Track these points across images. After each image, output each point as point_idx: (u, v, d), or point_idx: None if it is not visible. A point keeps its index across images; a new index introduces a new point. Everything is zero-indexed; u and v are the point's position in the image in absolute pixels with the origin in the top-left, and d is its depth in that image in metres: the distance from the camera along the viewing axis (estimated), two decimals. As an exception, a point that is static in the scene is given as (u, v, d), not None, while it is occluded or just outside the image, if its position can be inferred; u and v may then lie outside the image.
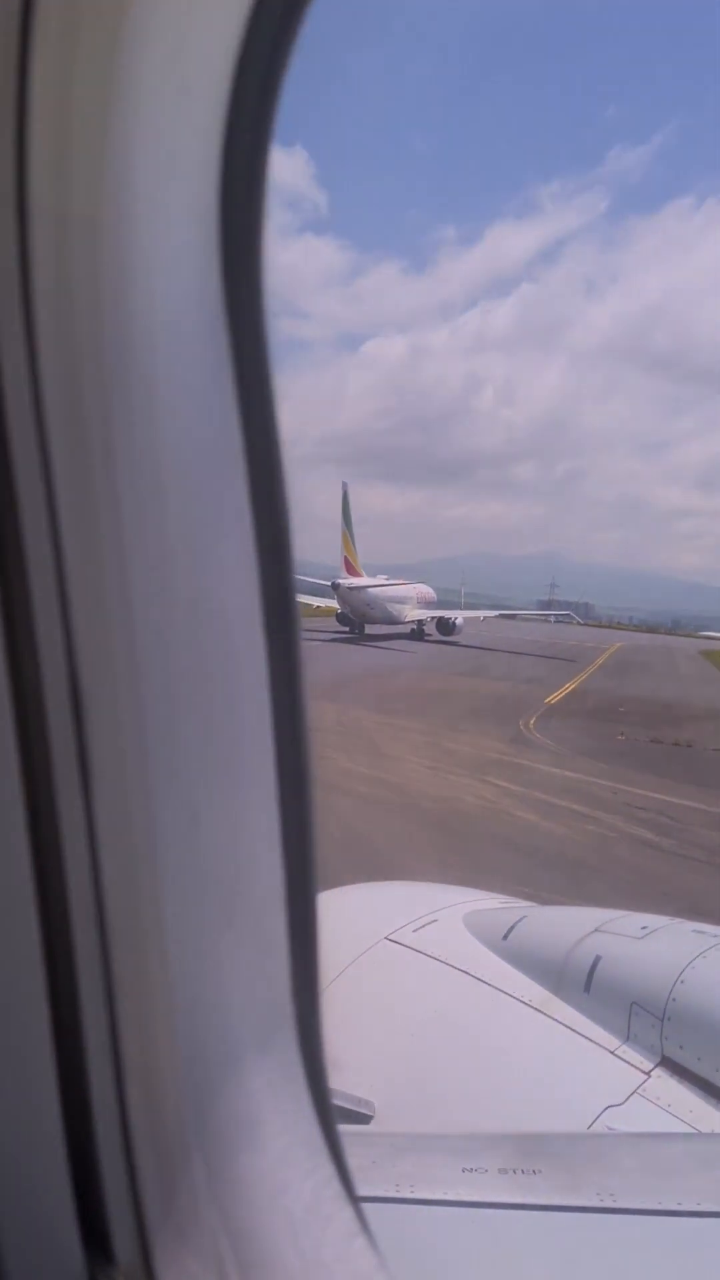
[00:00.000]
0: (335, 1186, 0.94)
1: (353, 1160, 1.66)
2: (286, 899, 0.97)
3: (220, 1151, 0.92)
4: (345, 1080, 2.50)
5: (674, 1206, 1.42)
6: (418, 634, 63.83)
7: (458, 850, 12.49)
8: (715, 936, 2.68)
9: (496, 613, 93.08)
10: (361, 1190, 1.47)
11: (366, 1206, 1.44)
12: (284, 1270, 0.84)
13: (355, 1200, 0.95)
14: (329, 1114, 1.00)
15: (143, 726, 0.82)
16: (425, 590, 71.62)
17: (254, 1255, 0.86)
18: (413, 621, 64.32)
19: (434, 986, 2.85)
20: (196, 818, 0.89)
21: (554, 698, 33.75)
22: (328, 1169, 0.95)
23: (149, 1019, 0.92)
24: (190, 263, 0.79)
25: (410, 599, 66.59)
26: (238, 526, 0.87)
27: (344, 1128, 2.20)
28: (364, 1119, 2.36)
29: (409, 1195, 1.43)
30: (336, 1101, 2.41)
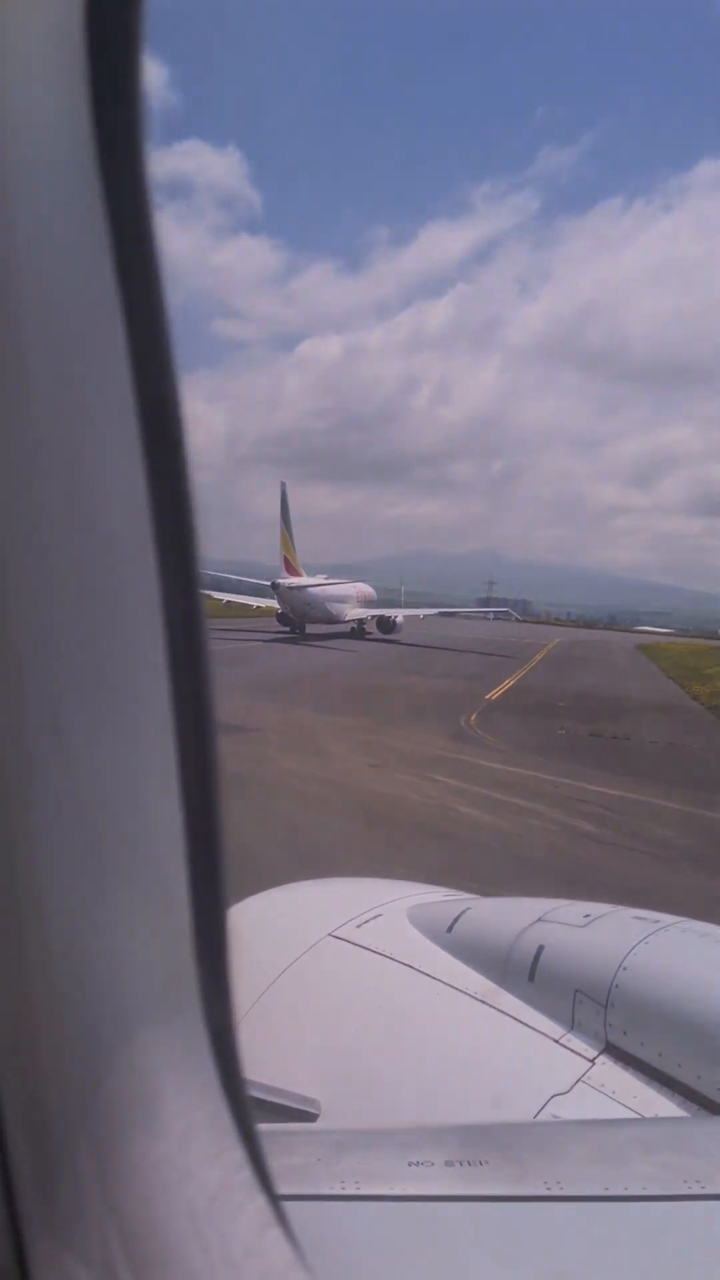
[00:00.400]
0: (246, 1173, 0.83)
1: (297, 1159, 1.63)
2: (187, 849, 0.86)
3: (110, 1137, 0.83)
4: (290, 1079, 2.47)
5: (620, 1192, 1.41)
6: (358, 633, 64.01)
7: (400, 846, 12.51)
8: (656, 922, 2.69)
9: (436, 611, 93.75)
10: (306, 1189, 1.44)
11: (311, 1205, 1.41)
12: (185, 1269, 0.75)
13: (270, 1188, 0.85)
14: (240, 1091, 0.90)
15: (20, 667, 0.76)
16: (365, 589, 71.84)
17: (149, 1253, 0.77)
18: (353, 620, 64.49)
19: (378, 982, 2.83)
20: (74, 756, 0.80)
21: (494, 694, 34.06)
22: (237, 1153, 0.85)
23: (23, 986, 0.82)
24: (63, 185, 0.72)
25: (350, 598, 66.75)
26: (127, 491, 0.79)
27: (288, 1126, 2.17)
28: (309, 1117, 2.33)
29: (354, 1192, 1.40)
30: (280, 1101, 2.39)
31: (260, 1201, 0.81)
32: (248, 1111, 0.89)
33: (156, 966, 0.87)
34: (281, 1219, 0.81)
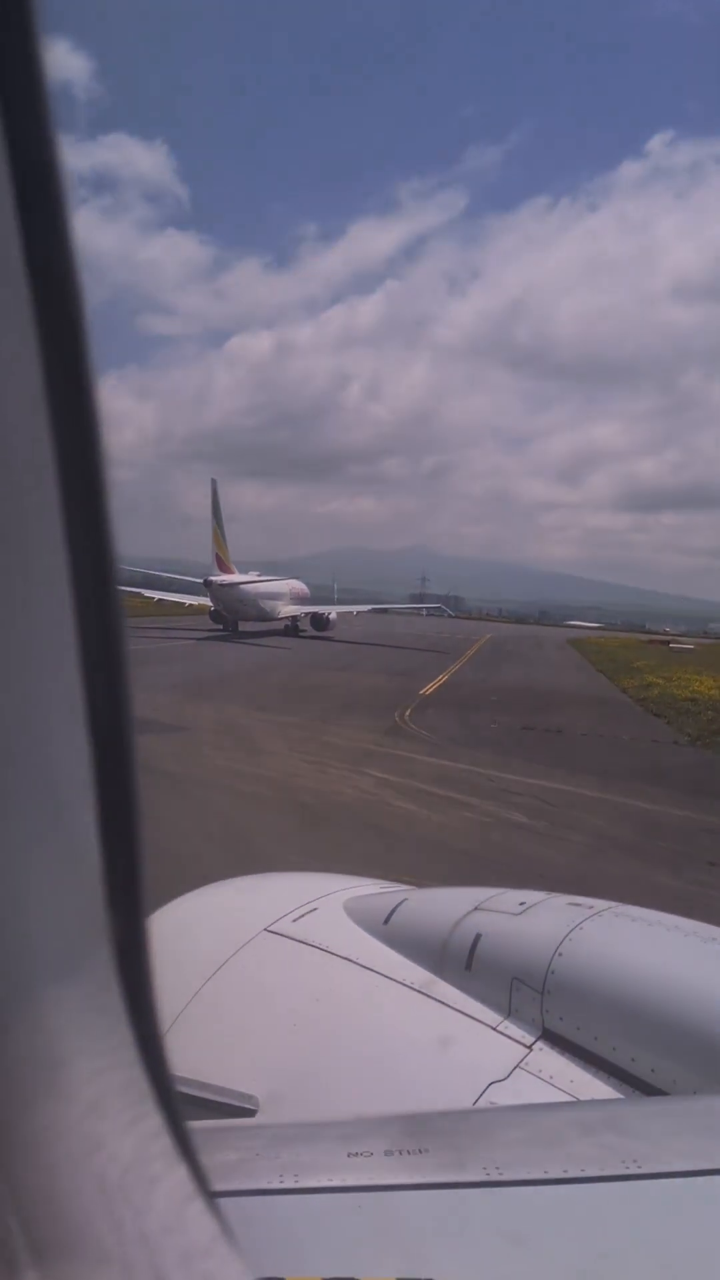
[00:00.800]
0: (165, 1141, 0.76)
1: (236, 1154, 1.61)
2: (96, 786, 0.78)
3: (9, 1102, 0.74)
4: (227, 1076, 2.44)
5: (559, 1174, 1.41)
6: (292, 630, 63.95)
7: (336, 841, 12.51)
8: (590, 908, 2.72)
9: (370, 607, 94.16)
10: (245, 1184, 1.41)
11: (249, 1200, 1.39)
12: (94, 1249, 0.68)
13: (193, 1157, 0.77)
14: (159, 1054, 0.82)
15: None
16: (298, 586, 71.78)
17: (53, 1233, 0.69)
18: (287, 618, 64.41)
19: (316, 975, 2.81)
20: None
21: (428, 689, 34.28)
22: (154, 1120, 0.77)
23: None
24: None
25: (283, 595, 66.65)
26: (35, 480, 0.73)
27: (225, 1122, 2.14)
28: (247, 1114, 2.31)
29: (293, 1185, 1.38)
30: (216, 1098, 2.36)
31: (181, 1172, 0.75)
32: (167, 1075, 0.81)
33: (64, 919, 0.79)
34: (205, 1190, 0.74)
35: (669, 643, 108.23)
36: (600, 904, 2.77)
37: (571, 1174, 1.41)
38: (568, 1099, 2.18)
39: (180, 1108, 0.79)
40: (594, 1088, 2.23)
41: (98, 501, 0.75)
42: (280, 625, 64.08)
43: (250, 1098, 2.35)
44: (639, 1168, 1.44)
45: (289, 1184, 1.38)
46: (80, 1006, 0.78)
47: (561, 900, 2.86)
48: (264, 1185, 1.38)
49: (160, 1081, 0.80)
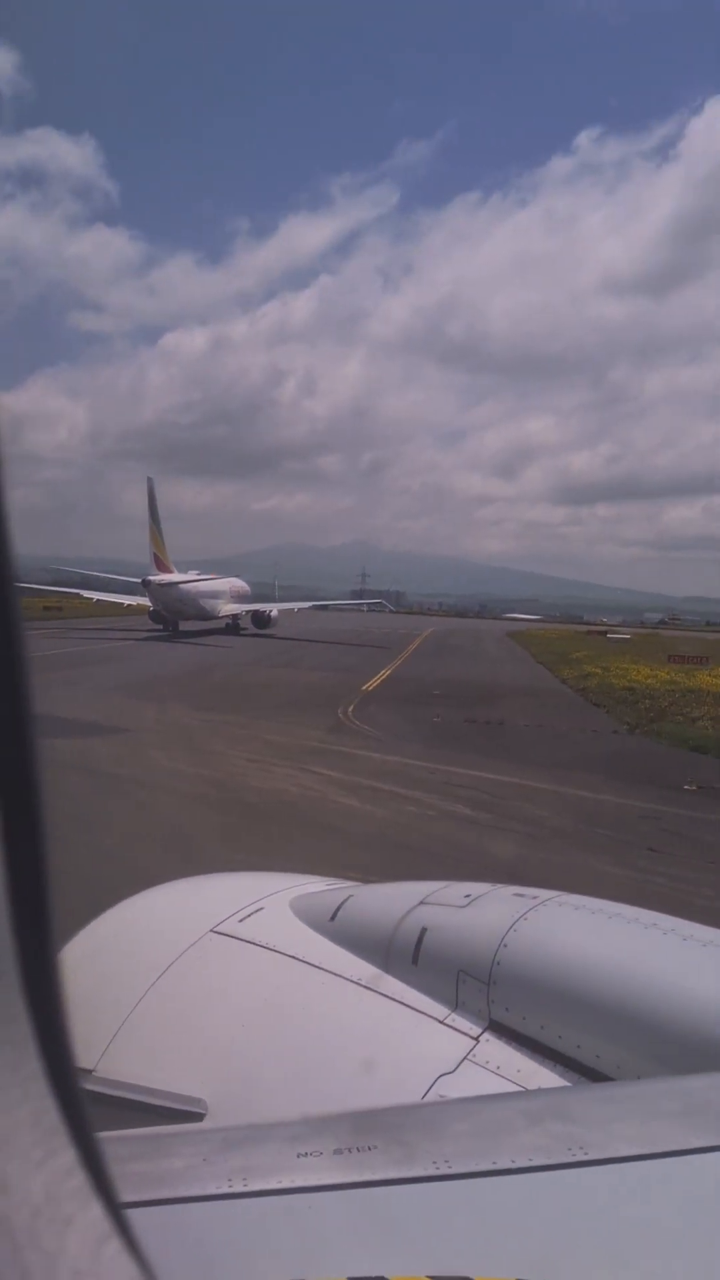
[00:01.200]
0: (79, 1178, 0.70)
1: (183, 1160, 1.59)
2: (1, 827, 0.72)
3: None
4: (174, 1079, 2.42)
5: (507, 1165, 1.42)
6: (233, 628, 63.66)
7: (281, 839, 12.47)
8: (534, 898, 2.74)
9: (311, 604, 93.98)
10: (193, 1189, 1.40)
11: (197, 1206, 1.38)
12: None
13: (110, 1193, 0.71)
14: (71, 1083, 0.76)
15: None
16: (238, 584, 71.46)
17: None
18: (227, 616, 64.11)
19: (263, 975, 2.79)
20: None
21: (370, 685, 34.38)
22: (67, 1156, 0.71)
23: None
24: None
25: (224, 593, 66.31)
26: None
27: (172, 1128, 2.12)
28: (196, 1117, 2.29)
29: (242, 1189, 1.37)
30: (162, 1103, 2.34)
31: (96, 1211, 0.69)
32: (81, 1106, 0.75)
33: None
34: (123, 1228, 0.69)
35: (606, 633, 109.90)
36: (545, 894, 2.79)
37: (519, 1164, 1.42)
38: (516, 1089, 2.20)
39: (97, 1141, 0.74)
40: (541, 1076, 2.25)
41: None
42: (221, 624, 63.75)
43: (198, 1101, 2.33)
44: (585, 1154, 1.45)
45: (238, 1188, 1.37)
46: None
47: (507, 891, 2.88)
48: (213, 1191, 1.37)
49: (74, 1114, 0.74)
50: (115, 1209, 0.70)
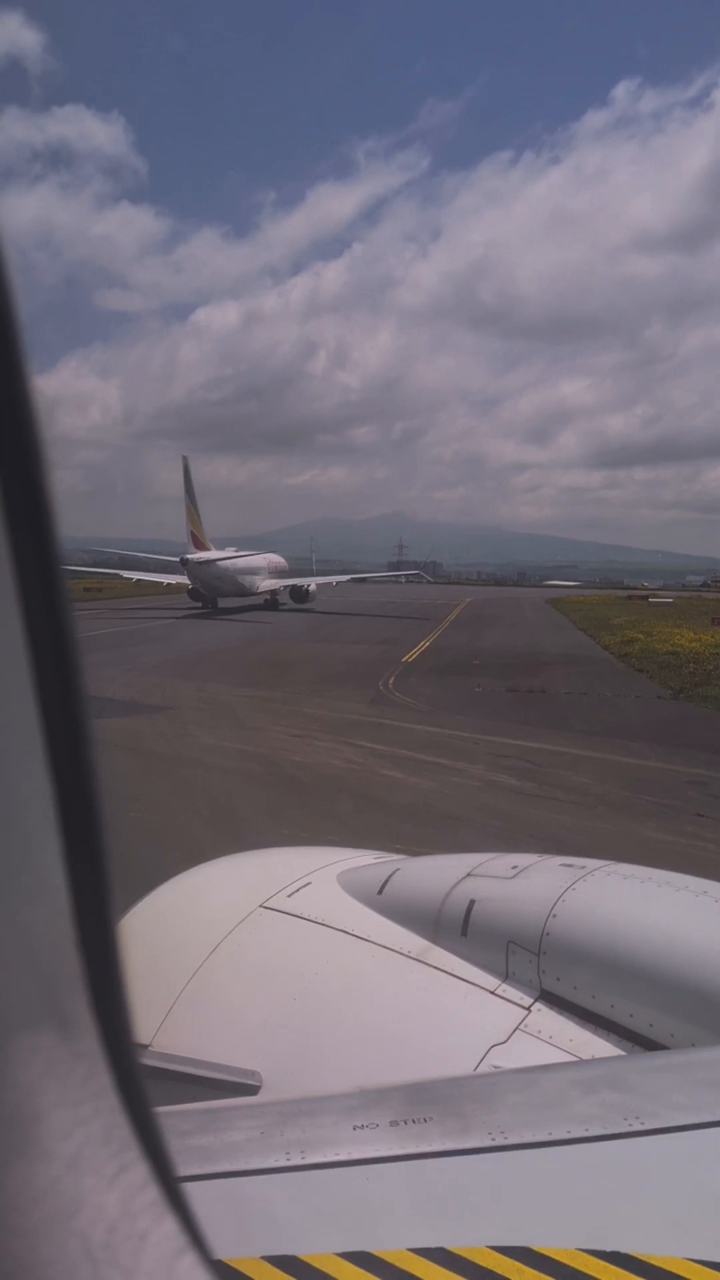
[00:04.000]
0: (152, 1192, 0.70)
1: (240, 1134, 1.62)
2: (60, 823, 0.72)
3: None
4: (229, 1053, 2.45)
5: (563, 1135, 1.43)
6: (271, 604, 63.80)
7: (326, 813, 12.56)
8: (582, 869, 2.74)
9: (348, 577, 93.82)
10: (250, 1163, 1.42)
11: (256, 1180, 1.40)
12: None
13: (183, 1206, 0.71)
14: (141, 1096, 0.76)
15: None
16: (276, 559, 71.53)
17: None
18: (265, 592, 64.24)
19: (313, 949, 2.82)
20: None
21: (410, 656, 34.34)
22: (140, 1170, 0.71)
23: None
24: None
25: (261, 569, 66.42)
26: None
27: (229, 1102, 2.15)
28: (251, 1090, 2.33)
29: (299, 1162, 1.39)
30: (219, 1075, 2.37)
31: (170, 1225, 0.69)
32: (152, 1119, 0.75)
33: (29, 960, 0.73)
34: (198, 1240, 0.69)
35: (648, 598, 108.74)
36: (593, 863, 2.79)
37: (575, 1134, 1.43)
38: (568, 1058, 2.21)
39: (167, 1151, 0.75)
40: (594, 1045, 2.25)
41: (40, 498, 0.70)
42: (260, 600, 63.92)
43: (253, 1073, 2.37)
44: (641, 1124, 1.46)
45: (295, 1161, 1.39)
46: (53, 1055, 0.73)
47: (554, 861, 2.88)
48: (271, 1164, 1.39)
49: (144, 1126, 0.75)
50: (188, 1221, 0.70)
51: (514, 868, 2.85)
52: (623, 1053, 2.23)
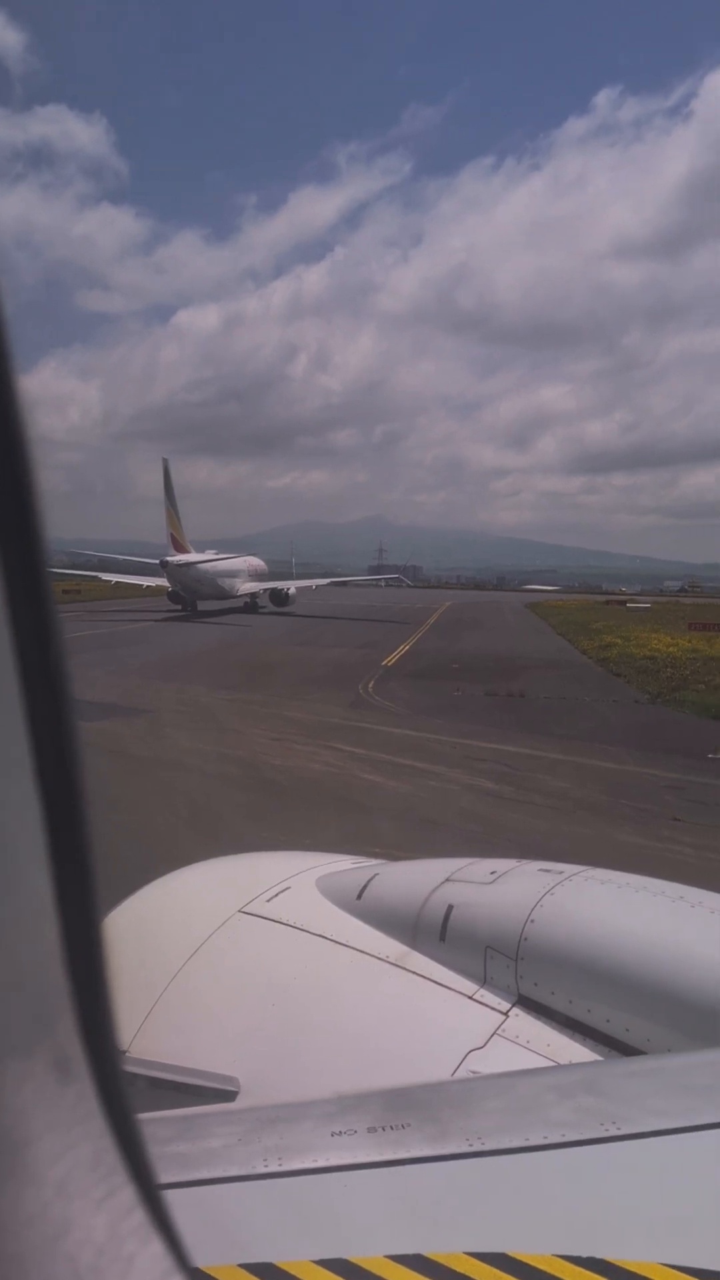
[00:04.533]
0: (139, 1215, 0.71)
1: (218, 1141, 1.62)
2: (47, 842, 0.71)
3: None
4: (207, 1059, 2.45)
5: (540, 1141, 1.44)
6: (251, 607, 63.68)
7: (305, 817, 12.53)
8: (560, 874, 2.75)
9: (328, 580, 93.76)
10: (227, 1170, 1.42)
11: (234, 1187, 1.40)
12: None
13: (169, 1227, 0.72)
14: (129, 1120, 0.76)
15: None
16: (256, 562, 71.40)
17: None
18: (245, 595, 64.13)
19: (292, 954, 2.82)
20: None
21: (390, 660, 34.36)
22: (127, 1193, 0.72)
23: None
24: None
25: (241, 572, 66.29)
26: None
27: (207, 1109, 2.15)
28: (229, 1096, 2.32)
29: (277, 1169, 1.39)
30: (197, 1082, 2.37)
31: (157, 1247, 0.70)
32: (139, 1141, 0.76)
33: (17, 987, 0.73)
34: (184, 1262, 0.69)
35: (625, 602, 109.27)
36: (570, 869, 2.80)
37: (552, 1139, 1.43)
38: (546, 1063, 2.22)
39: (154, 1174, 0.75)
40: (571, 1050, 2.26)
41: (27, 502, 0.70)
42: (239, 603, 63.78)
43: (231, 1079, 2.36)
44: (617, 1129, 1.46)
45: (274, 1168, 1.39)
46: (41, 1079, 0.73)
47: (532, 867, 2.89)
48: (249, 1170, 1.39)
49: (131, 1150, 0.75)
50: (175, 1243, 0.70)
51: (492, 873, 2.86)
52: (599, 1058, 2.24)
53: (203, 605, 61.00)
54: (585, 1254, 1.19)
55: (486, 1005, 2.46)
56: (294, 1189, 1.36)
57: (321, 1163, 1.40)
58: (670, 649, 38.78)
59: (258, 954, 2.90)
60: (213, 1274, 1.15)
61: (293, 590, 67.30)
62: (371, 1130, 1.51)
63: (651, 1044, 2.20)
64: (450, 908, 2.72)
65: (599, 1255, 1.19)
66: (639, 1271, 1.16)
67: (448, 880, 2.87)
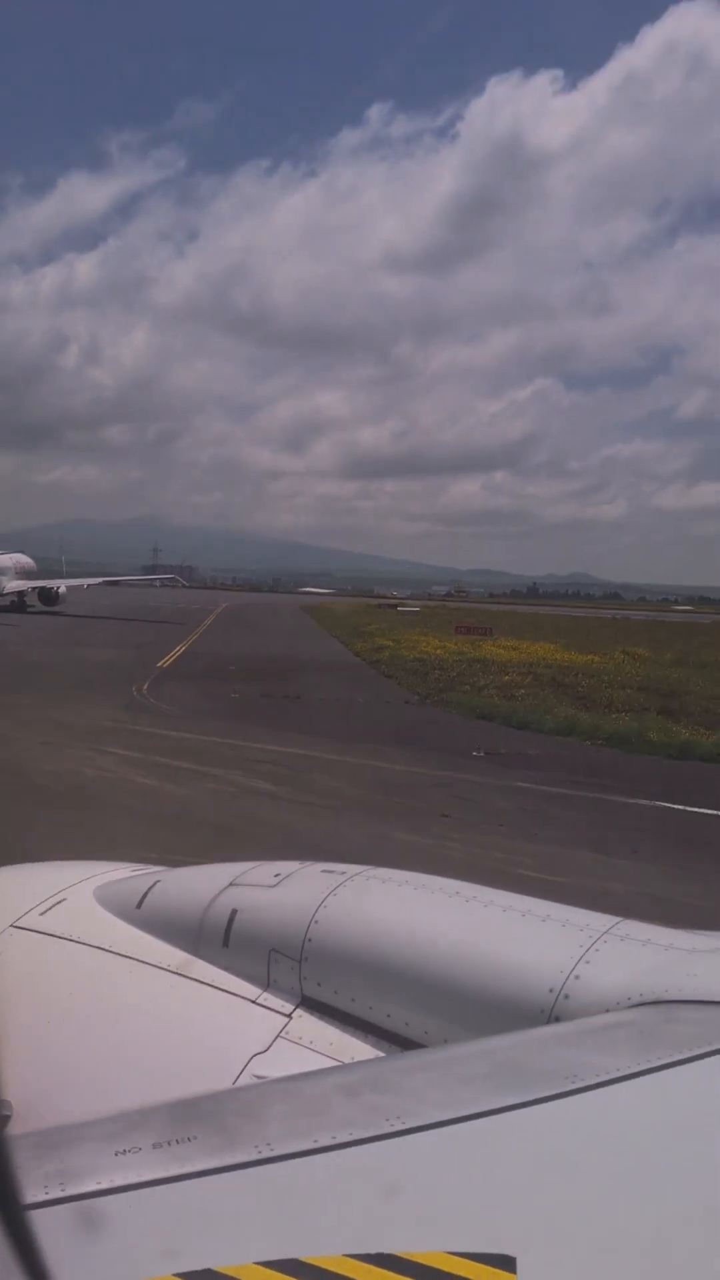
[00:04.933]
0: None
1: None
2: None
3: None
4: None
5: (328, 1142, 1.45)
6: (19, 606, 60.98)
7: (79, 824, 12.10)
8: (343, 874, 2.79)
9: (101, 580, 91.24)
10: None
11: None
12: None
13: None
14: (14, 1204, 0.75)
15: None
16: (23, 560, 68.37)
17: None
18: (12, 593, 61.37)
19: (68, 969, 2.72)
20: None
21: (165, 661, 33.81)
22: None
23: None
24: None
25: (8, 569, 63.39)
26: None
27: None
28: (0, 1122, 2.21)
29: (59, 1195, 1.33)
30: None
31: None
32: (26, 1229, 0.73)
33: None
34: None
35: (397, 606, 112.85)
36: (353, 869, 2.85)
37: (340, 1139, 1.45)
38: (330, 1063, 2.25)
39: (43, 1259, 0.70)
40: (354, 1048, 2.31)
41: None
42: (6, 601, 60.90)
43: (4, 1104, 2.25)
44: (401, 1124, 1.50)
45: (55, 1194, 1.33)
46: None
47: (316, 868, 2.92)
48: (27, 1200, 1.32)
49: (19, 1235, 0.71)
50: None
51: (276, 875, 2.87)
52: (382, 1054, 2.29)
53: (-35, 604, 57.86)
54: (374, 1250, 1.21)
55: (269, 1008, 2.47)
56: (77, 1215, 1.31)
57: (106, 1184, 1.35)
58: (439, 651, 40.40)
59: (31, 970, 2.77)
60: None
61: (63, 589, 64.97)
62: (157, 1146, 1.47)
63: (430, 1037, 2.28)
64: (234, 912, 2.70)
65: (387, 1250, 1.21)
66: (425, 1262, 1.20)
67: (232, 885, 2.86)
